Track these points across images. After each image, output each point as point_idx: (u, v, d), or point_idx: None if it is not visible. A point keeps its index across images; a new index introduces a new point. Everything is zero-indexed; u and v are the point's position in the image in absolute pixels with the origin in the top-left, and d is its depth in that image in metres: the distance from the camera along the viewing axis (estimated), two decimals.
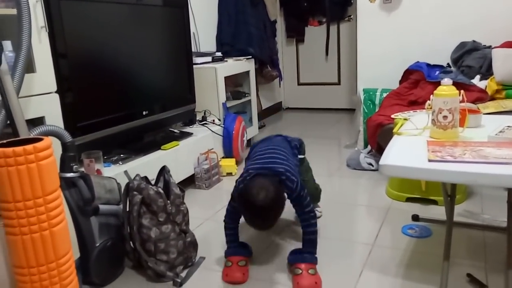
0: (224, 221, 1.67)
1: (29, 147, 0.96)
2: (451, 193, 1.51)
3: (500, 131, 1.40)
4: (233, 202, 1.60)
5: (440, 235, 1.66)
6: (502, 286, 1.35)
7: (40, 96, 1.70)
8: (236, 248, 1.66)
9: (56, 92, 1.77)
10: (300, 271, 1.53)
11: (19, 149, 0.95)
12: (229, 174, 2.78)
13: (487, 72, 2.70)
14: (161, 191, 1.60)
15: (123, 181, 1.69)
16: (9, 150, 0.95)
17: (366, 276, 1.58)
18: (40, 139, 1.01)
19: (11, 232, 1.00)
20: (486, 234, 1.82)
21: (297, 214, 1.61)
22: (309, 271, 1.53)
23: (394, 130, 1.55)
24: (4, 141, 1.01)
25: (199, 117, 2.89)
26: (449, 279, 1.46)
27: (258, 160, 1.61)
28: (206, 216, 2.17)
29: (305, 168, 1.90)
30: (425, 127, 1.51)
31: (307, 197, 1.57)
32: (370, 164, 2.70)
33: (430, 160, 1.21)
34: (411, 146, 1.37)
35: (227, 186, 2.64)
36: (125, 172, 1.63)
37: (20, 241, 1.00)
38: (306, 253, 1.59)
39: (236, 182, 1.58)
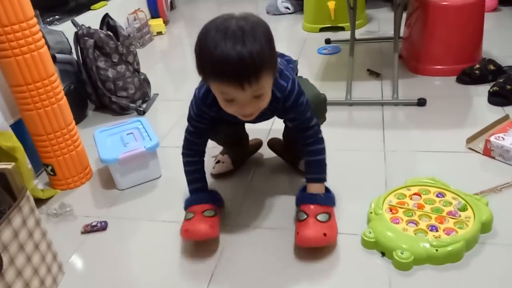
0: (182, 153, 1.16)
1: None
2: (353, 5, 1.87)
3: None
4: (193, 123, 1.11)
5: (348, 50, 2.06)
6: (391, 74, 1.81)
7: None
8: (200, 193, 1.15)
9: None
10: (305, 216, 1.04)
11: None
12: (159, 33, 2.94)
13: None
14: (111, 33, 1.78)
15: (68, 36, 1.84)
16: None
17: None
18: None
19: (4, 55, 1.18)
20: (382, 45, 2.28)
21: (296, 134, 1.11)
22: (318, 217, 1.04)
23: None
24: None
25: None
26: (354, 74, 1.89)
27: None
28: (149, 66, 2.38)
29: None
30: None
31: (307, 106, 1.06)
32: (287, 7, 2.99)
33: None
34: None
35: (159, 44, 2.83)
36: (72, 20, 1.76)
37: (14, 62, 1.19)
38: (316, 183, 1.11)
39: (195, 91, 1.09)
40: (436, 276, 0.95)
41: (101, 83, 1.81)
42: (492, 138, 1.30)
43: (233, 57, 0.83)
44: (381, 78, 1.92)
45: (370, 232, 1.04)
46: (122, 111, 1.88)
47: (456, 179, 1.19)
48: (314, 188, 1.11)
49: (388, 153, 1.40)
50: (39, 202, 1.34)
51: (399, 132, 1.52)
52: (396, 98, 1.71)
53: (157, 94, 2.04)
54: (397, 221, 1.07)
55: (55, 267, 1.05)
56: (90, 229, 1.22)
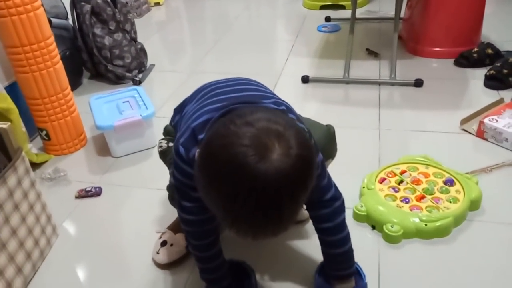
0: (190, 247, 0.84)
1: None
2: None
3: None
4: (185, 202, 0.77)
5: (348, 29, 2.05)
6: (389, 54, 1.80)
7: None
8: None
9: None
10: None
11: None
12: (157, 4, 2.89)
13: None
14: (108, 0, 1.75)
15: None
16: None
17: (291, 61, 1.98)
18: None
19: (1, 14, 1.16)
20: (382, 25, 2.27)
21: (308, 208, 0.83)
22: None
23: None
24: None
25: None
26: (352, 53, 1.88)
27: (218, 95, 0.77)
28: (146, 36, 2.34)
29: None
30: None
31: (324, 170, 0.80)
32: None
33: None
34: None
35: (157, 15, 2.78)
36: None
37: (9, 22, 1.17)
38: (344, 281, 0.86)
39: (170, 152, 0.85)
40: (423, 250, 0.98)
41: (97, 50, 1.79)
42: (486, 120, 1.31)
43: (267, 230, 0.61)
44: (379, 58, 1.91)
45: (362, 206, 1.06)
46: (118, 80, 1.86)
47: (448, 158, 1.21)
48: (343, 286, 0.87)
49: (383, 131, 1.41)
50: (33, 166, 1.32)
51: (394, 111, 1.53)
52: (393, 78, 1.71)
53: (154, 65, 2.01)
54: (385, 181, 1.14)
55: (49, 229, 1.05)
56: (84, 194, 1.22)
